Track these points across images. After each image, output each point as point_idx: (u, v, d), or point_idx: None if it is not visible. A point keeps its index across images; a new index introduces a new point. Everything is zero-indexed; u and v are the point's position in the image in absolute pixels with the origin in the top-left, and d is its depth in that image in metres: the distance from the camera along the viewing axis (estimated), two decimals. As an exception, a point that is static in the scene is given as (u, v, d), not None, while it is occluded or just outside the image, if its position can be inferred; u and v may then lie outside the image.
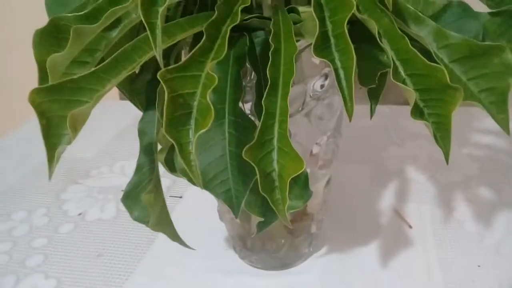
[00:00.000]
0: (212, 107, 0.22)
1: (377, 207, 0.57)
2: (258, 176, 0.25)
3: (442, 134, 0.25)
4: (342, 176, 0.61)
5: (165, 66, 0.29)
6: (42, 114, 0.25)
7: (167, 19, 0.35)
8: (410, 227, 0.53)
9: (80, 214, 0.59)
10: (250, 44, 0.32)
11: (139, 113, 0.37)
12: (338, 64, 0.24)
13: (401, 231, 0.53)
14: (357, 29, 0.28)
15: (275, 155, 0.25)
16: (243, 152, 0.24)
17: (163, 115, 0.22)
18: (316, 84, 0.37)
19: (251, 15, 0.32)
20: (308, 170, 0.41)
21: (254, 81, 0.34)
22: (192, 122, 0.23)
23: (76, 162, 0.69)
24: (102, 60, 0.32)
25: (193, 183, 0.28)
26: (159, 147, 0.35)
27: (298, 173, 0.24)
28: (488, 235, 0.52)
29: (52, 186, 0.64)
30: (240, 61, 0.31)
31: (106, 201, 0.61)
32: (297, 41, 0.31)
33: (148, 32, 0.22)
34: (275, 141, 0.25)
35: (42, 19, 0.30)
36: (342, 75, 0.23)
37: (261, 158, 0.25)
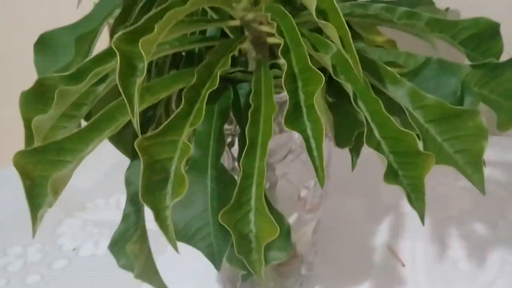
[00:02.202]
0: (186, 177, 0.23)
1: (370, 244, 0.57)
2: (233, 238, 0.25)
3: (416, 196, 0.25)
4: (337, 209, 0.61)
5: (150, 118, 0.29)
6: (26, 175, 0.26)
7: (157, 68, 0.36)
8: (403, 265, 0.53)
9: (74, 249, 0.59)
10: (234, 96, 0.33)
11: None
12: (310, 133, 0.24)
13: (394, 270, 0.53)
14: (336, 85, 0.28)
15: (252, 216, 0.26)
16: (220, 216, 0.25)
17: (140, 181, 0.23)
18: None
19: (235, 69, 0.32)
20: (296, 214, 0.42)
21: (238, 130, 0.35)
22: (169, 187, 0.24)
23: (72, 194, 0.69)
24: (89, 113, 0.33)
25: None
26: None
27: (272, 239, 0.25)
28: (482, 274, 0.51)
29: (47, 219, 0.64)
30: (224, 114, 0.32)
31: (101, 235, 0.61)
32: (279, 93, 0.31)
33: (126, 103, 0.23)
34: (252, 202, 0.26)
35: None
36: (314, 145, 0.24)
37: (238, 220, 0.25)
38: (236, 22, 0.32)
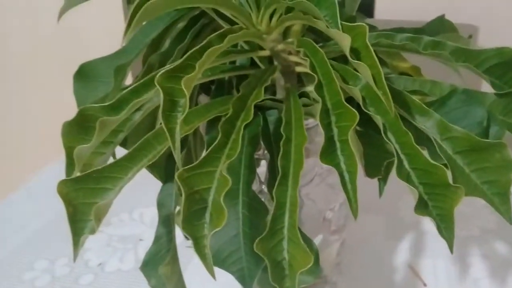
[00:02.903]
0: (225, 209, 0.24)
1: (391, 263, 0.57)
2: (268, 266, 0.26)
3: (445, 226, 0.26)
4: (356, 228, 0.61)
5: (181, 143, 0.30)
6: (68, 203, 0.27)
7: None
8: (425, 285, 0.54)
9: (100, 264, 0.60)
10: (264, 123, 0.34)
11: None
12: (343, 167, 0.25)
13: (416, 289, 0.53)
14: (364, 115, 0.29)
15: (285, 244, 0.27)
16: (255, 244, 0.26)
17: (181, 212, 0.24)
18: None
19: (265, 98, 0.34)
20: (321, 236, 0.43)
21: (268, 155, 0.36)
22: (207, 216, 0.25)
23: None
24: (125, 139, 0.34)
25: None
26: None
27: (307, 267, 0.26)
28: (504, 294, 0.52)
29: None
30: (254, 141, 0.33)
31: (125, 250, 0.63)
32: (306, 119, 0.32)
33: (168, 137, 0.24)
34: (285, 231, 0.27)
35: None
36: (347, 178, 0.25)
37: (272, 247, 0.26)
38: (266, 53, 0.33)
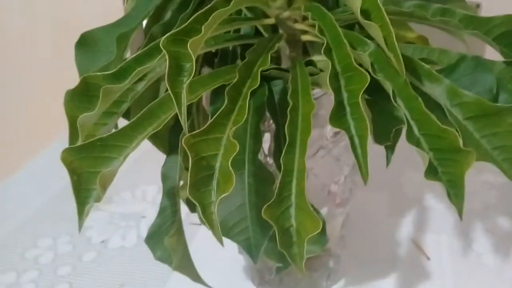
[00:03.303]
0: (233, 174, 0.23)
1: (395, 238, 0.57)
2: (277, 233, 0.26)
3: (455, 192, 0.26)
4: (360, 203, 0.61)
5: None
6: (73, 171, 0.27)
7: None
8: (428, 258, 0.54)
9: (102, 241, 0.60)
10: (269, 93, 0.33)
11: None
12: (353, 131, 0.25)
13: (419, 263, 0.53)
14: (373, 83, 0.29)
15: (293, 211, 0.26)
16: (263, 211, 0.25)
17: (188, 178, 0.24)
18: (332, 129, 0.37)
19: (270, 67, 0.33)
20: (326, 209, 0.43)
21: (273, 126, 0.35)
22: (214, 183, 0.24)
23: (99, 188, 0.71)
24: (129, 109, 0.34)
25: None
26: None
27: (315, 233, 0.25)
28: (507, 268, 0.52)
29: (75, 212, 0.66)
30: (259, 111, 0.32)
31: (128, 228, 0.63)
32: (313, 89, 0.32)
33: (174, 102, 0.23)
34: (293, 198, 0.26)
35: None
36: (357, 143, 0.24)
37: (280, 214, 0.26)
38: (271, 21, 0.32)
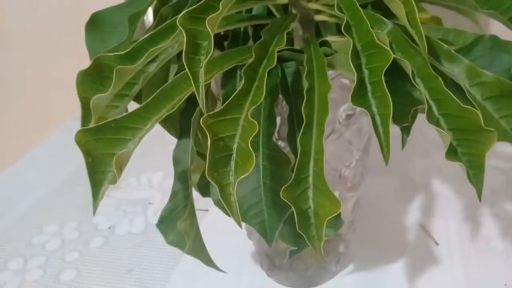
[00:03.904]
0: (253, 153, 0.23)
1: (403, 223, 0.57)
2: (295, 214, 0.25)
3: (475, 172, 0.26)
4: (368, 189, 0.61)
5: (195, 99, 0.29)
6: (87, 153, 0.26)
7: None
8: (437, 243, 0.54)
9: (110, 227, 0.60)
10: (282, 75, 0.33)
11: None
12: (375, 110, 0.24)
13: (428, 248, 0.53)
14: (391, 63, 0.28)
15: (310, 193, 0.26)
16: (281, 192, 0.25)
17: (207, 158, 0.23)
18: (345, 110, 0.37)
19: (283, 47, 0.32)
20: (337, 193, 0.42)
21: (284, 109, 0.35)
22: (232, 164, 0.24)
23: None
24: (140, 92, 0.33)
25: (228, 215, 0.29)
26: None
27: (335, 214, 0.25)
28: (516, 253, 0.52)
29: (82, 198, 0.66)
30: (272, 93, 0.32)
31: (135, 214, 0.62)
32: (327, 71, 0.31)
33: (192, 81, 0.23)
34: (310, 179, 0.26)
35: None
36: (379, 122, 0.24)
37: (297, 196, 0.26)
38: (284, 0, 0.32)
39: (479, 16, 0.40)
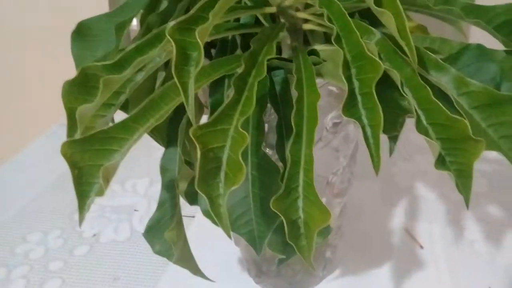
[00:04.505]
0: (243, 165, 0.23)
1: (388, 227, 0.58)
2: (285, 224, 0.25)
3: (463, 182, 0.26)
4: (353, 194, 0.61)
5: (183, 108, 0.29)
6: (74, 165, 0.26)
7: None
8: (421, 247, 0.54)
9: (94, 235, 0.59)
10: (270, 84, 0.33)
11: None
12: (365, 121, 0.24)
13: (413, 252, 0.54)
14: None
15: (300, 203, 0.26)
16: (271, 203, 0.25)
17: (196, 170, 0.23)
18: (332, 118, 0.37)
19: (271, 56, 0.32)
20: (324, 199, 0.42)
21: (272, 117, 0.35)
22: (222, 175, 0.24)
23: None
24: (126, 101, 0.33)
25: (217, 225, 0.29)
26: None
27: (325, 225, 0.25)
28: (499, 255, 0.52)
29: (66, 206, 0.65)
30: (261, 102, 0.32)
31: (120, 221, 0.62)
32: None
33: (181, 92, 0.23)
34: (300, 189, 0.26)
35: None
36: (369, 133, 0.24)
37: (288, 206, 0.26)
38: (272, 9, 0.32)
39: (463, 24, 0.40)
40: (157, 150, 0.35)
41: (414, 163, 0.71)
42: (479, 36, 0.36)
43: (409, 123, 0.77)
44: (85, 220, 0.62)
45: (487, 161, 0.70)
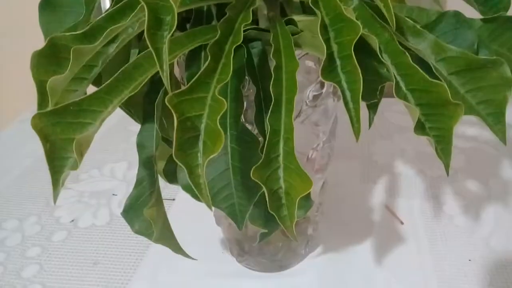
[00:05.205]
0: (222, 132, 0.22)
1: (368, 204, 0.58)
2: (266, 194, 0.25)
3: (442, 147, 0.26)
4: (332, 172, 0.61)
5: (159, 80, 0.29)
6: (45, 138, 0.25)
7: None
8: (402, 223, 0.55)
9: (72, 220, 0.58)
10: (248, 55, 0.32)
11: (124, 112, 0.36)
12: (345, 85, 0.24)
13: (394, 228, 0.54)
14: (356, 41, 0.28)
15: (281, 173, 0.26)
16: (252, 172, 0.24)
17: (173, 139, 0.22)
18: (312, 91, 0.37)
19: (248, 27, 0.32)
20: (305, 175, 0.42)
21: (250, 91, 0.34)
22: (200, 144, 0.23)
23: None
24: (99, 75, 0.32)
25: (198, 200, 0.29)
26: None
27: (306, 192, 0.25)
28: (478, 229, 0.53)
29: (42, 192, 0.63)
30: (239, 73, 0.31)
31: (99, 206, 0.61)
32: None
33: (155, 58, 0.22)
34: (280, 159, 0.26)
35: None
36: (349, 97, 0.24)
37: (268, 176, 0.25)
38: (248, -23, 0.31)
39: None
40: (134, 135, 0.34)
41: (393, 142, 0.71)
42: (455, 8, 0.36)
43: (387, 104, 0.78)
44: (63, 206, 0.62)
45: (465, 138, 0.71)
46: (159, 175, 0.35)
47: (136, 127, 0.36)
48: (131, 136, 0.74)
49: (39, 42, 0.33)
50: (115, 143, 0.73)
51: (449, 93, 0.24)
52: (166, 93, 0.32)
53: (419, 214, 0.56)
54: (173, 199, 0.61)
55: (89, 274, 0.50)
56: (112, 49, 0.30)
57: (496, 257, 0.49)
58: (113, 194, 0.63)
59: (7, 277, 0.50)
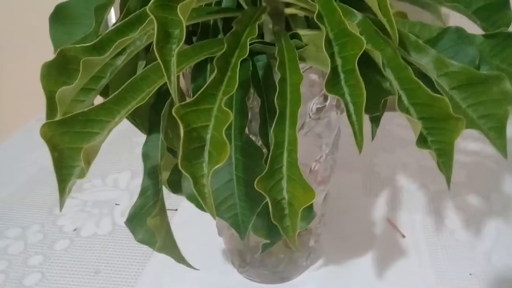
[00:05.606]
0: (227, 143, 0.23)
1: (370, 217, 0.58)
2: (270, 205, 0.25)
3: (444, 160, 0.26)
4: (335, 184, 0.62)
5: (166, 91, 0.29)
6: (53, 147, 0.25)
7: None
8: (403, 236, 0.55)
9: (75, 229, 0.58)
10: (253, 68, 0.33)
11: (129, 123, 0.37)
12: (348, 99, 0.24)
13: (395, 241, 0.54)
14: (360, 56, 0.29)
15: (284, 183, 0.26)
16: (255, 183, 0.25)
17: (179, 149, 0.23)
18: (315, 104, 0.37)
19: (254, 40, 0.32)
20: (308, 187, 0.42)
21: (255, 103, 0.35)
22: (206, 155, 0.24)
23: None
24: (106, 86, 0.33)
25: (202, 209, 0.29)
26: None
27: (309, 203, 0.25)
28: (479, 243, 0.53)
29: (45, 200, 0.64)
30: (244, 86, 0.32)
31: (101, 215, 0.61)
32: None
33: (163, 70, 0.22)
34: (284, 170, 0.26)
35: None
36: (352, 110, 0.24)
37: (272, 186, 0.26)
38: (254, -8, 0.32)
39: (442, 12, 0.41)
40: (138, 146, 0.35)
41: (395, 155, 0.72)
42: (457, 24, 0.36)
43: (389, 117, 0.78)
44: (66, 215, 0.62)
45: (466, 153, 0.71)
46: (163, 185, 0.36)
47: (140, 138, 0.36)
48: (135, 147, 0.74)
49: (46, 53, 0.34)
50: (119, 153, 0.74)
51: (450, 107, 0.24)
52: (172, 104, 0.33)
53: (420, 227, 0.56)
54: (176, 210, 0.61)
55: (90, 283, 0.50)
56: (120, 61, 0.31)
57: (497, 272, 0.49)
58: (116, 204, 0.63)
59: (8, 285, 0.50)
